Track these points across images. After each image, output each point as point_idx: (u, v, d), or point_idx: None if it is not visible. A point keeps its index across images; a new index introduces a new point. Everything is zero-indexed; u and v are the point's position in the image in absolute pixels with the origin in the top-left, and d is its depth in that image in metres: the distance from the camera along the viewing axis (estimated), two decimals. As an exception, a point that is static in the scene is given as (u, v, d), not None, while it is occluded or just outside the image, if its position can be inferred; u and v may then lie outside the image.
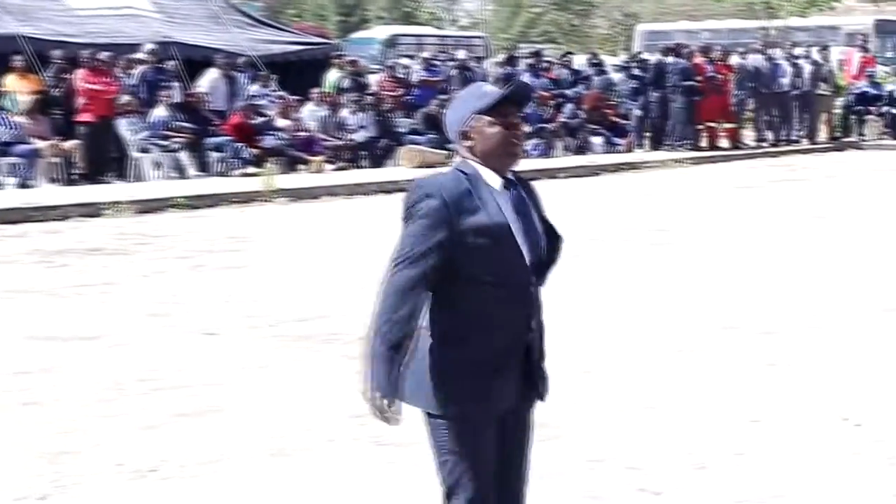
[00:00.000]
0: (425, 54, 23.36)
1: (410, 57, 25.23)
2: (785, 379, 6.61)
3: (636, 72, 22.70)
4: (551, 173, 18.44)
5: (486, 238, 3.28)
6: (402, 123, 20.16)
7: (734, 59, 23.20)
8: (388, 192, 16.44)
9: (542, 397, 3.47)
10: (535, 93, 4.01)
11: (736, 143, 22.92)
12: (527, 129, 20.53)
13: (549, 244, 3.46)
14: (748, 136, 23.73)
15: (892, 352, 7.22)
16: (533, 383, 3.42)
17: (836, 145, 23.74)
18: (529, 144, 20.57)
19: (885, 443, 5.50)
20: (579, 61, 24.67)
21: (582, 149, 21.54)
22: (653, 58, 23.65)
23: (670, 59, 22.12)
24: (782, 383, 6.52)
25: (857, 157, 22.04)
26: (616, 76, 23.92)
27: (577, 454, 5.34)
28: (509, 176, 3.40)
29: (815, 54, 24.15)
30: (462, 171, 3.36)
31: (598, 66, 23.77)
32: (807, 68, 23.50)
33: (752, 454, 5.33)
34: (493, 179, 3.36)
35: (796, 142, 23.89)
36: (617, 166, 19.73)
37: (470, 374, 3.30)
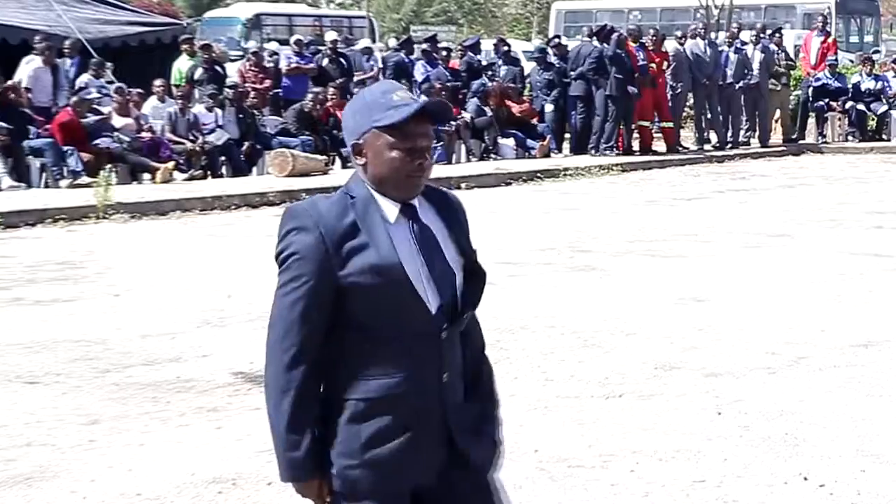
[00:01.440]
0: (297, 37, 23.34)
1: (279, 41, 25.18)
2: (742, 438, 6.74)
3: (553, 60, 22.91)
4: (453, 182, 18.52)
5: (374, 281, 3.25)
6: (270, 122, 20.09)
7: (670, 45, 23.54)
8: (254, 206, 16.43)
9: (474, 465, 3.42)
10: (451, 111, 3.97)
11: (673, 145, 23.25)
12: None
13: (468, 283, 3.40)
14: (688, 137, 24.11)
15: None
16: (458, 450, 3.37)
17: (792, 148, 24.24)
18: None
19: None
20: (485, 47, 24.90)
21: (489, 153, 21.67)
22: (573, 43, 23.94)
23: (594, 45, 22.36)
24: (744, 444, 6.64)
25: (816, 163, 22.53)
26: (529, 65, 24.16)
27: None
28: (413, 202, 3.36)
29: (767, 39, 24.61)
30: (350, 196, 3.32)
31: (507, 53, 23.97)
32: (757, 56, 23.95)
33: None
34: (389, 207, 3.32)
35: (745, 144, 24.33)
36: (531, 174, 19.90)
37: (366, 446, 3.31)
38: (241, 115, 19.35)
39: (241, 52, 24.00)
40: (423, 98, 3.34)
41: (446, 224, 3.41)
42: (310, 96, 20.03)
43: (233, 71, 21.59)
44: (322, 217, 3.27)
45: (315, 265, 3.24)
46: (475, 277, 3.41)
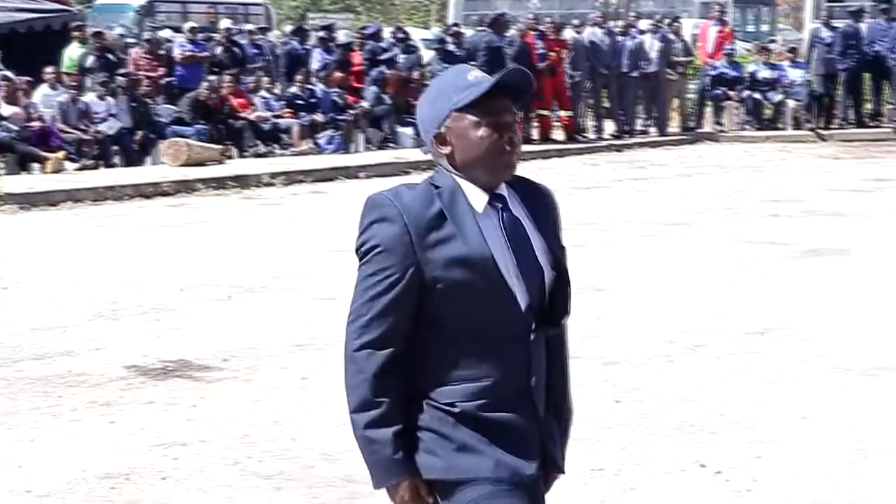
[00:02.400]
0: (191, 24, 23.13)
1: (174, 28, 24.93)
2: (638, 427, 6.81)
3: (451, 48, 22.94)
4: (350, 172, 18.52)
5: (462, 275, 3.07)
6: (164, 111, 19.90)
7: (568, 34, 23.68)
8: (148, 196, 16.27)
9: (559, 468, 3.32)
10: (533, 82, 3.91)
11: (573, 134, 23.40)
12: (320, 118, 20.72)
13: (558, 284, 3.21)
14: (587, 126, 24.25)
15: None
16: (545, 452, 3.25)
17: (690, 137, 24.50)
18: (323, 137, 20.63)
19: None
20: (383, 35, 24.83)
21: (388, 142, 21.66)
22: (471, 31, 23.97)
23: (490, 35, 22.41)
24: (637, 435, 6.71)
25: (713, 151, 22.79)
26: (427, 53, 24.15)
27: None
28: (501, 191, 3.20)
29: (665, 28, 24.84)
30: (435, 185, 3.15)
31: (405, 42, 23.95)
32: (655, 45, 24.16)
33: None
34: (477, 197, 3.15)
35: (643, 133, 24.55)
36: (430, 163, 19.87)
37: (454, 452, 3.14)
38: (133, 104, 19.14)
39: (134, 40, 23.66)
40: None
41: (535, 218, 3.23)
42: (205, 85, 19.87)
43: (126, 58, 21.30)
44: (406, 207, 3.09)
45: (399, 258, 3.08)
46: (561, 281, 3.22)
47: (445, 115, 3.14)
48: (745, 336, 8.63)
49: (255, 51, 22.39)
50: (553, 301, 3.21)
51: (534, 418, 3.20)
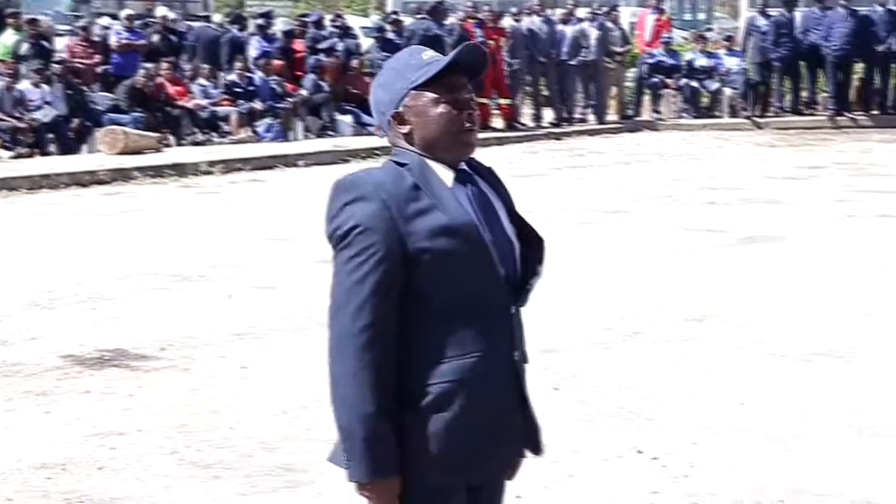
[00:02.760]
0: (127, 12, 22.95)
1: (110, 15, 24.73)
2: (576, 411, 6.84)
3: (391, 36, 22.92)
4: (289, 160, 18.46)
5: (447, 245, 3.03)
6: (100, 99, 19.74)
7: (507, 22, 23.71)
8: (84, 184, 16.14)
9: (538, 449, 3.33)
10: (489, 60, 3.88)
11: (512, 122, 23.43)
12: (259, 106, 20.63)
13: (527, 252, 3.21)
14: (526, 114, 24.29)
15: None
16: (529, 434, 3.27)
17: (629, 125, 24.60)
18: (261, 125, 20.54)
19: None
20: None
21: (327, 130, 21.61)
22: (410, 19, 23.94)
23: (431, 22, 22.40)
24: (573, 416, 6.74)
25: (652, 139, 22.90)
26: (366, 41, 24.09)
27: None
28: (462, 167, 3.18)
29: (603, 16, 24.92)
30: (400, 164, 3.12)
31: (344, 30, 23.88)
32: (593, 33, 24.24)
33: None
34: (443, 172, 3.13)
35: (582, 121, 24.62)
36: (369, 151, 19.86)
37: (444, 439, 3.08)
38: (69, 92, 18.96)
39: (69, 27, 23.45)
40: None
41: (496, 192, 3.23)
42: (141, 72, 19.72)
43: (61, 46, 21.11)
44: (379, 183, 3.05)
45: (382, 234, 3.00)
46: (536, 245, 3.22)
47: (403, 94, 3.13)
48: (683, 323, 8.70)
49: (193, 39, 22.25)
50: (523, 272, 3.20)
51: (517, 396, 3.21)
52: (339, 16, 25.71)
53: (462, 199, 3.10)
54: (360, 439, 3.01)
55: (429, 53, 3.17)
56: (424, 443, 3.07)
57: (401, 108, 3.14)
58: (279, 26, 24.33)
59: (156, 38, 21.61)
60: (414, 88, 3.12)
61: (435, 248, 3.03)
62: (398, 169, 3.10)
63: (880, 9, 23.93)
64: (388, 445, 3.03)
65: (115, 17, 23.60)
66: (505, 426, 3.18)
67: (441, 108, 3.12)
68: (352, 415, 3.01)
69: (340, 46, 23.03)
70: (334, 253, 3.08)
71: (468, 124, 3.14)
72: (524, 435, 3.26)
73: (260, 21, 23.17)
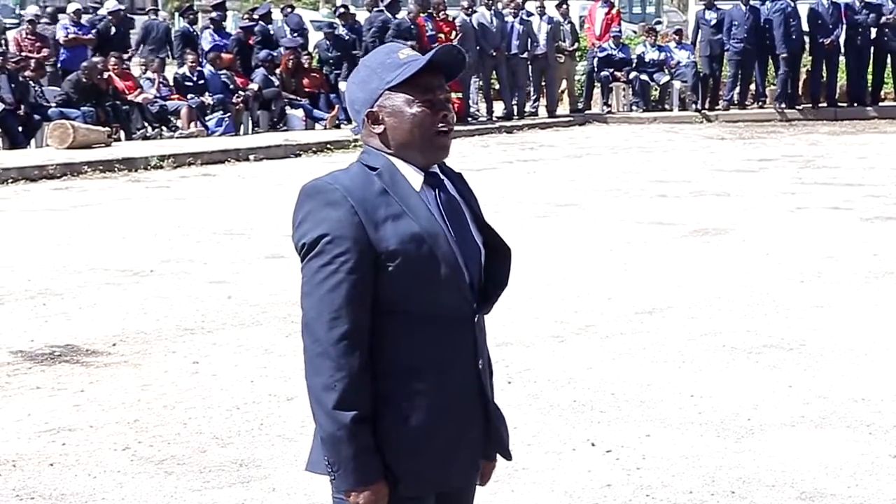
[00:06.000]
0: (75, 6, 22.78)
1: (60, 9, 24.54)
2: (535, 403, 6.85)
3: (341, 31, 22.86)
4: (240, 154, 18.39)
5: (415, 252, 2.99)
6: (49, 93, 19.59)
7: (456, 15, 23.69)
8: (33, 179, 16.03)
9: (507, 454, 3.31)
10: (468, 58, 3.86)
11: (463, 116, 23.42)
12: (209, 100, 20.52)
13: (493, 260, 3.19)
14: (477, 108, 24.29)
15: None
16: (496, 440, 3.25)
17: (579, 118, 24.65)
18: (212, 120, 20.45)
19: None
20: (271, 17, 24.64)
21: (277, 124, 21.54)
22: (360, 12, 23.88)
23: (381, 14, 22.36)
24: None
25: (602, 133, 22.97)
26: (316, 35, 24.02)
27: None
28: (433, 170, 3.14)
29: (553, 10, 24.95)
30: (370, 167, 3.08)
31: (296, 24, 23.82)
32: (543, 27, 24.28)
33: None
34: (413, 176, 3.08)
35: (533, 114, 24.65)
36: (321, 146, 19.84)
37: (411, 446, 3.07)
38: (16, 86, 18.79)
39: (16, 21, 23.28)
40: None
41: (464, 198, 3.19)
42: (84, 64, 19.55)
43: (8, 39, 20.94)
44: (348, 189, 2.99)
45: (351, 242, 2.95)
46: (501, 254, 3.21)
47: (379, 94, 3.09)
48: (635, 316, 8.72)
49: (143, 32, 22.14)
50: (488, 280, 3.18)
51: (482, 407, 3.19)
52: (290, 6, 25.55)
53: (430, 205, 3.07)
54: (347, 448, 2.99)
55: (406, 52, 3.12)
56: (392, 453, 3.06)
57: (375, 108, 3.10)
58: (230, 21, 24.23)
59: (104, 31, 21.44)
60: (390, 88, 3.08)
61: (402, 255, 2.99)
62: (367, 172, 3.07)
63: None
64: (373, 451, 3.02)
65: (63, 10, 23.44)
66: (471, 434, 3.17)
67: (416, 109, 3.08)
68: (336, 425, 2.98)
69: (290, 40, 22.92)
70: (303, 262, 3.03)
71: (443, 125, 3.11)
72: (491, 441, 3.24)
73: (213, 14, 23.05)
